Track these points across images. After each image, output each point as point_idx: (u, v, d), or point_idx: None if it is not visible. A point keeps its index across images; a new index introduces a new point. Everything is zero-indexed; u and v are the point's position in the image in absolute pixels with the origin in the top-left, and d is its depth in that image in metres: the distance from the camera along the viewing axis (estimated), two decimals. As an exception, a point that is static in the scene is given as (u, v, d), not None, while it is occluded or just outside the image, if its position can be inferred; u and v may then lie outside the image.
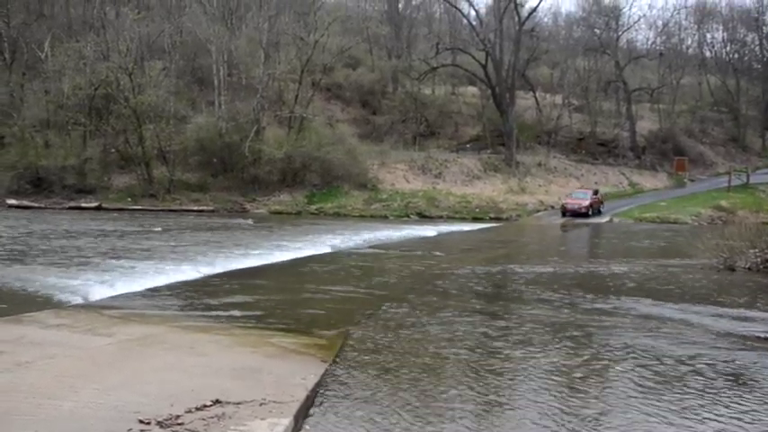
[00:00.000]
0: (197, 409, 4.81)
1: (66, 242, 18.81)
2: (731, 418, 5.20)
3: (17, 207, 34.90)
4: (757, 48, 60.02)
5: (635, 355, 7.09)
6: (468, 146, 50.24)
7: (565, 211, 35.11)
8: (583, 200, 35.70)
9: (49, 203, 36.58)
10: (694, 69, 58.80)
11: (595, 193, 37.50)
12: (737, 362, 6.90)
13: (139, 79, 39.32)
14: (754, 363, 6.88)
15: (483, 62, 46.40)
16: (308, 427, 4.90)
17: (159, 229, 24.68)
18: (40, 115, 40.73)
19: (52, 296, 10.23)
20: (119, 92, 39.10)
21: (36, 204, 36.02)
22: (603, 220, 34.48)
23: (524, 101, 52.83)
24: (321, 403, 5.37)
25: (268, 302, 10.29)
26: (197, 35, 44.14)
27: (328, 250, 18.71)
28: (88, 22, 46.45)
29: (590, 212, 34.88)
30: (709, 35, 62.72)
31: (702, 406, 5.45)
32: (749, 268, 14.21)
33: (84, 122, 39.76)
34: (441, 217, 36.65)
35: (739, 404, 5.52)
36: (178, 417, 4.64)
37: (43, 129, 40.61)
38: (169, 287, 11.32)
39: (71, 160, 38.63)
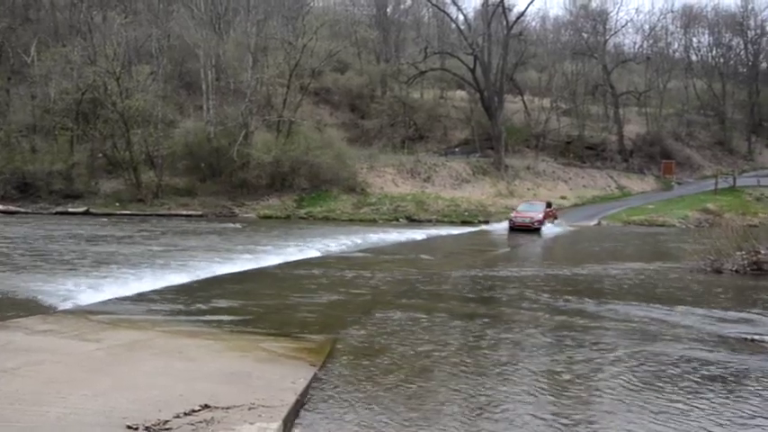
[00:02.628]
0: (185, 414, 4.78)
1: (52, 247, 18.66)
2: (719, 420, 5.22)
3: (3, 212, 34.63)
4: (742, 52, 60.65)
5: (623, 358, 7.12)
6: (456, 149, 50.43)
7: (513, 227, 29.98)
8: (534, 213, 30.68)
9: (35, 209, 36.34)
10: (681, 73, 59.34)
11: (549, 205, 33.00)
12: (725, 364, 6.93)
13: (127, 84, 39.19)
14: (742, 365, 6.92)
15: (471, 66, 46.62)
16: (297, 431, 4.88)
17: (146, 233, 24.55)
18: (26, 120, 40.55)
19: (39, 301, 10.13)
20: (106, 96, 38.97)
21: (22, 209, 35.78)
22: (592, 223, 34.62)
23: (513, 104, 53.14)
24: (311, 407, 5.36)
25: (257, 307, 10.25)
26: (185, 39, 44.08)
27: (317, 254, 18.67)
28: (75, 26, 46.27)
29: (542, 227, 29.85)
30: (695, 39, 63.51)
31: (690, 408, 5.47)
32: (736, 270, 14.32)
33: (72, 127, 39.61)
34: (430, 221, 36.70)
35: (728, 406, 5.55)
36: (166, 422, 4.61)
37: (30, 133, 40.42)
38: (157, 292, 11.25)
39: (58, 165, 38.46)
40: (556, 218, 32.95)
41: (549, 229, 30.16)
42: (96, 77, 38.87)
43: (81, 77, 39.62)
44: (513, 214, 31.56)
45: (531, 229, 29.41)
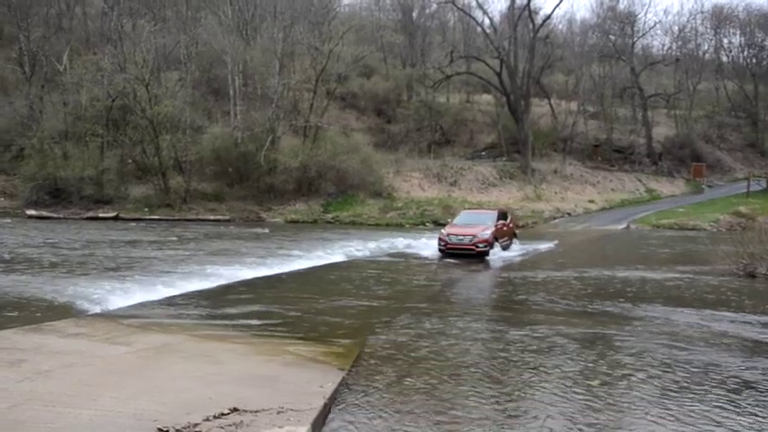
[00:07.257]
0: (215, 417, 4.82)
1: (84, 252, 18.96)
2: (751, 426, 5.12)
3: (36, 218, 35.27)
4: (775, 52, 59.51)
5: (654, 362, 7.02)
6: (483, 153, 50.21)
7: (444, 250, 19.42)
8: (479, 228, 19.80)
9: (67, 214, 36.96)
10: (711, 74, 58.35)
11: (503, 216, 22.12)
12: (758, 369, 6.80)
13: (156, 90, 39.68)
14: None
15: (497, 70, 46.37)
16: (325, 435, 4.89)
17: (175, 238, 24.83)
18: (58, 127, 41.28)
19: (71, 305, 10.31)
20: (135, 103, 39.51)
21: (55, 215, 36.40)
22: (620, 227, 34.17)
23: (539, 108, 52.70)
24: (339, 411, 5.36)
25: (285, 311, 10.30)
26: (212, 46, 44.53)
27: (344, 259, 18.72)
28: (105, 34, 47.03)
29: (489, 249, 19.32)
30: (726, 40, 62.32)
31: (723, 414, 5.37)
32: (770, 275, 14.04)
33: (102, 133, 40.25)
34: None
35: (760, 412, 5.44)
36: (196, 425, 4.65)
37: (62, 140, 41.13)
38: (186, 296, 11.37)
39: (89, 171, 39.08)
40: (515, 235, 22.69)
41: (499, 253, 19.83)
42: (126, 84, 39.45)
43: (111, 84, 40.25)
44: (445, 230, 20.37)
45: (473, 254, 19.03)
